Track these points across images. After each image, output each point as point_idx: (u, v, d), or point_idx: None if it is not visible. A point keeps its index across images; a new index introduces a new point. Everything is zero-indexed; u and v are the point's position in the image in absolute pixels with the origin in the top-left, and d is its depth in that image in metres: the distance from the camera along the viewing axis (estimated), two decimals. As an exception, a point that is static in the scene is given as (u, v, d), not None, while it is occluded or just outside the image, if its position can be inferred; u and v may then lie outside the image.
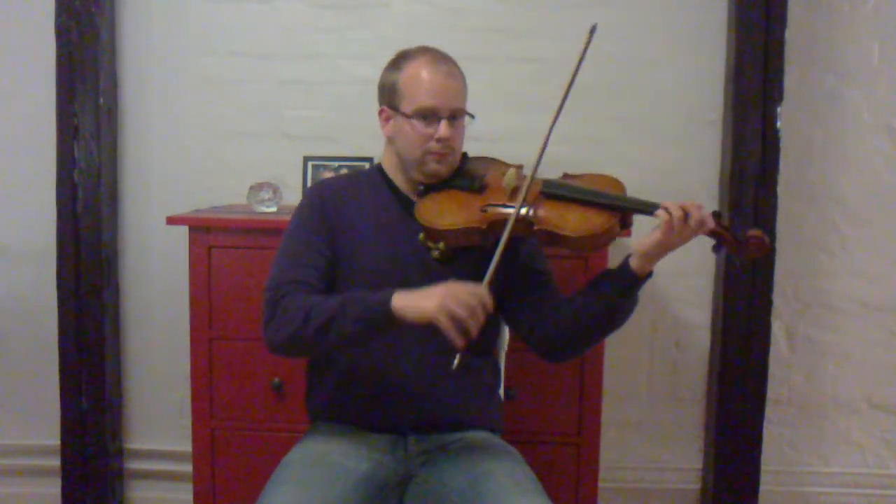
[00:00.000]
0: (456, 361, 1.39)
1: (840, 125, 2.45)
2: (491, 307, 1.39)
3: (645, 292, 1.55)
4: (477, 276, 1.43)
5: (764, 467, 2.46)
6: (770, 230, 2.36)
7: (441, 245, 1.58)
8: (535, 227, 1.53)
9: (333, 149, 2.43)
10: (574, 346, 1.60)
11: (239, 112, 2.49)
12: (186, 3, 2.46)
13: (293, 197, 2.38)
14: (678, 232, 1.43)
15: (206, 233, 2.08)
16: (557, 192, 1.55)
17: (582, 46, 1.49)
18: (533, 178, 1.52)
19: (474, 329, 1.36)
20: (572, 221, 1.51)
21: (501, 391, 1.78)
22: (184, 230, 2.09)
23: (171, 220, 2.11)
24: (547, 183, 1.57)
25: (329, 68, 2.45)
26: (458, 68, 1.62)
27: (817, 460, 2.57)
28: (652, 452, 2.57)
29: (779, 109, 2.34)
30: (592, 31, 1.50)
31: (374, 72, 1.68)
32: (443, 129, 1.56)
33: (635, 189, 2.40)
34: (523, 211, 1.51)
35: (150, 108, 2.50)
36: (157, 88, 2.49)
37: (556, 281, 1.68)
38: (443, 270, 1.56)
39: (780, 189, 2.37)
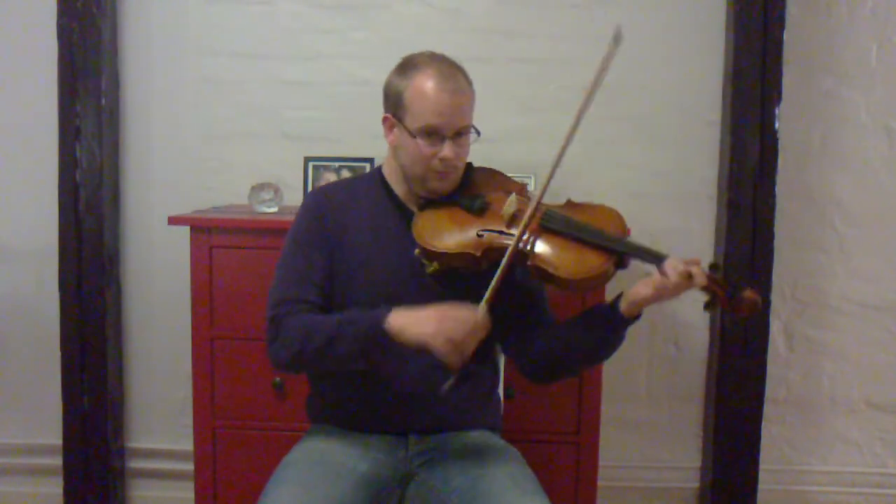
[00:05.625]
0: (447, 385, 1.40)
1: (838, 126, 2.45)
2: (487, 331, 1.39)
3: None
4: (473, 295, 1.42)
5: (762, 466, 2.46)
6: (768, 230, 2.37)
7: (435, 264, 1.52)
8: (528, 263, 1.48)
9: (334, 149, 2.43)
10: (559, 372, 1.61)
11: (240, 112, 2.49)
12: (188, 3, 2.46)
13: (294, 197, 2.38)
14: (672, 290, 1.43)
15: (208, 233, 2.08)
16: (556, 228, 1.50)
17: (603, 58, 1.39)
18: (536, 210, 1.48)
19: (469, 353, 1.37)
20: (567, 261, 1.46)
21: (501, 390, 1.79)
22: (185, 230, 2.10)
23: (173, 221, 2.11)
24: (547, 216, 1.51)
25: (330, 69, 2.46)
26: (466, 79, 1.55)
27: (815, 459, 2.58)
28: (651, 451, 2.57)
29: (777, 110, 2.34)
30: (616, 38, 1.38)
31: (374, 72, 1.68)
32: (447, 149, 1.51)
33: (636, 188, 2.45)
34: (520, 245, 1.47)
35: (151, 109, 2.51)
36: (159, 89, 2.50)
37: (548, 303, 1.66)
38: (438, 287, 1.54)
39: (779, 189, 2.37)
